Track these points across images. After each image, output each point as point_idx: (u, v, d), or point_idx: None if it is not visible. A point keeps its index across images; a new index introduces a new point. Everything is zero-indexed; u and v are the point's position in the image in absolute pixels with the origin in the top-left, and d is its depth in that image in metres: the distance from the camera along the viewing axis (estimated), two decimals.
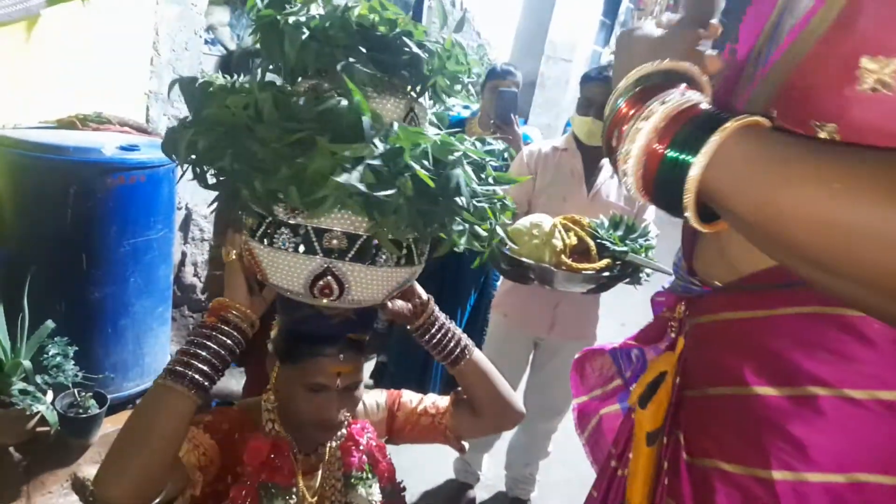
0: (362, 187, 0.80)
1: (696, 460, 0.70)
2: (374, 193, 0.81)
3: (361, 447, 1.16)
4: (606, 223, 1.84)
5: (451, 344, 1.14)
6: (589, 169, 2.21)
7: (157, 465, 0.87)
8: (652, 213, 2.18)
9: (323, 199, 0.82)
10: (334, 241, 0.90)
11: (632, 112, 0.56)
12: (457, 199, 0.90)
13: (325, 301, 0.94)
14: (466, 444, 1.26)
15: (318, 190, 0.81)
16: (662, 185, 0.53)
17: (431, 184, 0.85)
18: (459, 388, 1.24)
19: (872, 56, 0.50)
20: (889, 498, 0.58)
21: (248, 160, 0.83)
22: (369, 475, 1.14)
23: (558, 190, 2.19)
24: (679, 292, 0.80)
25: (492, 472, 2.64)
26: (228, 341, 0.93)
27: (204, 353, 0.91)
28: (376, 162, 0.82)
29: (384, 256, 0.93)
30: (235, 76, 1.07)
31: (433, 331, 1.13)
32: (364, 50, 0.91)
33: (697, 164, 0.50)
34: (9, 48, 2.22)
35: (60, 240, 2.10)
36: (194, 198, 3.01)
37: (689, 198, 0.51)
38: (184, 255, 3.07)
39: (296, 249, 0.90)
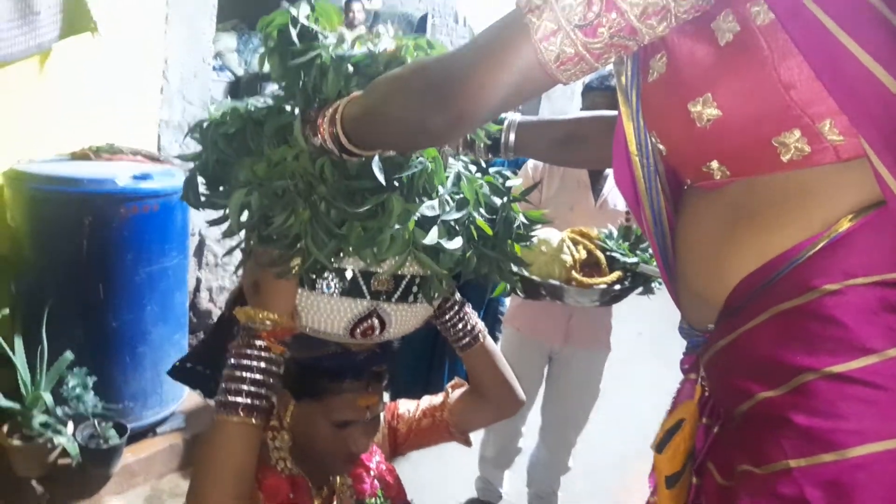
0: (446, 243, 0.82)
1: (727, 481, 0.73)
2: (447, 246, 0.83)
3: (372, 472, 1.15)
4: (615, 233, 1.83)
5: (467, 328, 1.11)
6: (595, 177, 2.20)
7: (240, 497, 0.86)
8: None
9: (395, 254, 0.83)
10: (382, 284, 0.90)
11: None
12: (511, 241, 0.95)
13: (360, 340, 0.94)
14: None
15: (393, 249, 0.82)
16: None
17: (490, 231, 0.89)
18: (453, 383, 1.24)
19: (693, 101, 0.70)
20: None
21: (320, 222, 0.83)
22: (382, 499, 1.13)
23: (565, 199, 2.18)
24: (693, 350, 0.87)
25: (513, 489, 2.62)
26: (271, 355, 0.88)
27: (249, 375, 0.86)
28: (451, 217, 0.85)
29: (423, 293, 0.94)
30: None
31: (451, 314, 1.10)
32: None
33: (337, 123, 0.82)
34: (22, 83, 2.27)
35: (77, 270, 2.13)
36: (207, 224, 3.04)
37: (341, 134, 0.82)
38: (198, 281, 3.10)
39: (342, 293, 0.89)
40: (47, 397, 2.02)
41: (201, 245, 3.07)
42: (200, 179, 0.98)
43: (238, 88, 5.71)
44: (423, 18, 5.88)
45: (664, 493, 0.82)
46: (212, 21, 2.95)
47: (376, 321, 0.92)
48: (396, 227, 0.82)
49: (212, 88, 3.18)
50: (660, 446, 0.83)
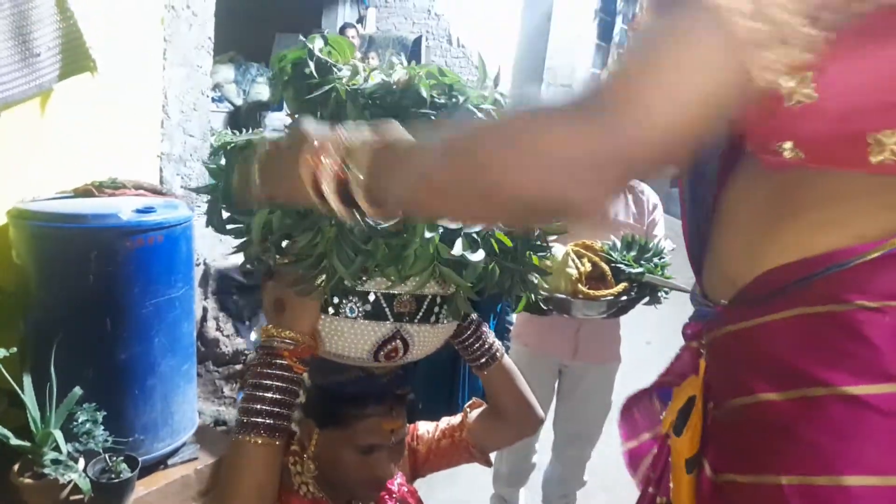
0: (470, 255, 0.83)
1: (718, 477, 0.69)
2: (470, 258, 0.83)
3: (395, 495, 1.14)
4: (619, 244, 1.84)
5: (485, 347, 1.11)
6: None
7: None
8: (662, 228, 2.17)
9: (420, 271, 0.84)
10: (404, 305, 0.90)
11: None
12: (532, 252, 0.95)
13: (384, 363, 0.94)
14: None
15: (418, 266, 0.83)
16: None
17: (510, 243, 0.90)
18: (470, 403, 1.23)
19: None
20: None
21: (345, 240, 0.82)
22: None
23: None
24: (699, 318, 0.82)
25: None
26: (292, 374, 0.89)
27: (270, 395, 0.86)
28: (473, 229, 0.85)
29: (444, 312, 0.94)
30: (246, 130, 1.08)
31: (468, 333, 1.10)
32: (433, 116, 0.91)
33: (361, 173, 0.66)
34: (24, 123, 2.30)
35: (84, 305, 2.13)
36: (212, 252, 3.05)
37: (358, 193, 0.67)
38: (205, 310, 3.10)
39: (366, 317, 0.89)
40: (58, 434, 2.01)
41: (206, 274, 3.08)
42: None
43: (237, 118, 5.77)
44: (417, 41, 5.94)
45: (685, 479, 0.75)
46: (209, 54, 2.99)
47: (400, 343, 0.92)
48: (426, 235, 0.81)
49: (211, 119, 3.21)
50: (677, 428, 0.77)
